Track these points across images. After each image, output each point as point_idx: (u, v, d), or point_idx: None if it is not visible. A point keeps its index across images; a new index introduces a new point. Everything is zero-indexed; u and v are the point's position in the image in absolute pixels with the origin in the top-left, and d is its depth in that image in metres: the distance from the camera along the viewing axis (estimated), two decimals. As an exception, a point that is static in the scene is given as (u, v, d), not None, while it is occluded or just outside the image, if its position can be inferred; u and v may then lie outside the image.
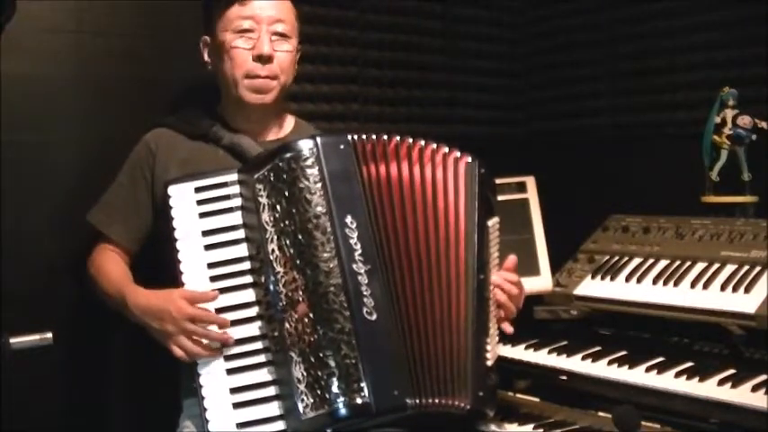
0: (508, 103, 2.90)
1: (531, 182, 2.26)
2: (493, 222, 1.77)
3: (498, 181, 2.24)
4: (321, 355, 1.52)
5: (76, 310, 1.95)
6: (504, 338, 2.04)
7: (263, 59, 1.79)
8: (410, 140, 1.71)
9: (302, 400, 1.52)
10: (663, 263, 2.04)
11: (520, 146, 2.87)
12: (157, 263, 1.72)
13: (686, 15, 2.42)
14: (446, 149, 1.73)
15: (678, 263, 2.02)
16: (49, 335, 1.57)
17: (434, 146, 1.72)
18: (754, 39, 2.25)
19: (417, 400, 1.55)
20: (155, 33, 2.06)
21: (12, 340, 1.54)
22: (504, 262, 1.79)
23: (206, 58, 1.87)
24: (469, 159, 1.74)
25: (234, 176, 1.67)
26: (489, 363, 1.67)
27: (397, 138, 1.70)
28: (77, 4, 1.96)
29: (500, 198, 2.23)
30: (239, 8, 1.79)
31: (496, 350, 1.73)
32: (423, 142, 1.72)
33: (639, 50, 2.54)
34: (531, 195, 2.25)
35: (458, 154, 1.74)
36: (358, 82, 2.50)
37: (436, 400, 1.57)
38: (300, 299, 1.55)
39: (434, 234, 1.66)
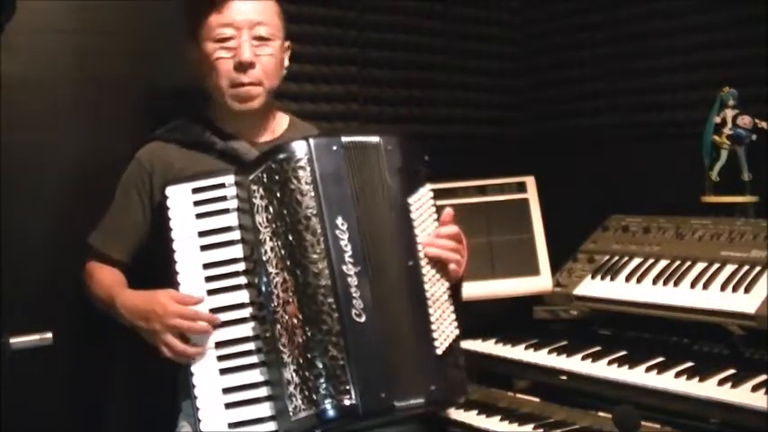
0: (508, 103, 2.90)
1: (531, 182, 2.26)
2: (418, 196, 1.70)
3: (498, 181, 2.26)
4: (310, 356, 1.52)
5: (76, 310, 1.95)
6: (504, 338, 2.05)
7: (245, 67, 1.76)
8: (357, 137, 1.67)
9: (292, 401, 1.53)
10: (663, 263, 2.04)
11: (520, 146, 2.87)
12: (154, 264, 1.73)
13: (686, 15, 2.42)
14: (360, 137, 1.67)
15: (678, 263, 2.02)
16: (49, 335, 1.57)
17: (358, 137, 1.67)
18: (754, 39, 2.24)
19: (404, 402, 1.55)
20: (154, 33, 2.06)
21: (12, 340, 1.54)
22: (441, 217, 1.72)
23: (191, 62, 1.84)
24: (375, 139, 1.67)
25: (231, 178, 1.67)
26: (440, 351, 1.62)
27: (354, 135, 1.67)
28: (77, 4, 1.95)
29: (500, 198, 2.24)
30: (217, 16, 1.75)
31: (451, 332, 1.67)
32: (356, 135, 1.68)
33: (639, 50, 2.54)
34: (531, 195, 2.25)
35: (367, 138, 1.67)
36: (358, 82, 2.50)
37: (408, 402, 1.56)
38: (290, 300, 1.55)
39: (378, 229, 1.63)
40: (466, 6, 2.77)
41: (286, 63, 1.89)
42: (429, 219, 1.71)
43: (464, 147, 2.69)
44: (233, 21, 1.75)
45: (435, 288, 1.68)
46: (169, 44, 2.08)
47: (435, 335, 1.63)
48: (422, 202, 1.71)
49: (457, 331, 1.70)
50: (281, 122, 1.94)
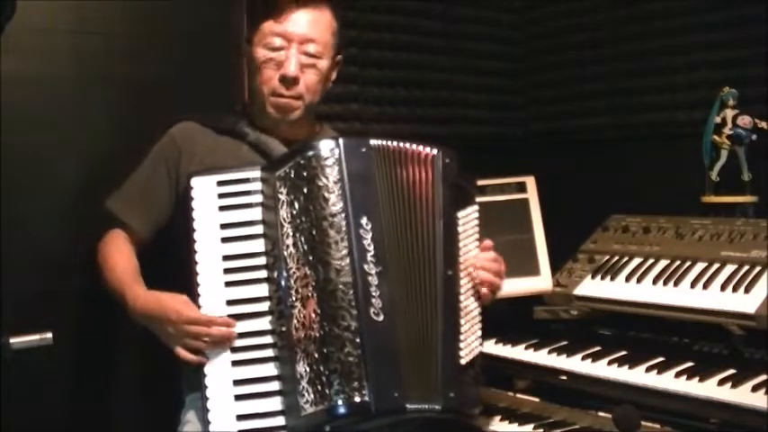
0: (508, 103, 2.91)
1: (531, 182, 2.26)
2: (466, 212, 1.75)
3: (498, 181, 2.26)
4: (325, 351, 1.52)
5: (76, 310, 1.96)
6: (504, 338, 2.05)
7: (288, 81, 1.78)
8: (405, 143, 1.70)
9: (303, 396, 1.52)
10: (663, 263, 2.04)
11: (520, 146, 2.87)
12: (172, 256, 1.73)
13: (686, 15, 2.42)
14: (419, 147, 1.71)
15: (678, 263, 2.01)
16: (49, 335, 1.57)
17: (414, 145, 1.71)
18: (754, 39, 2.25)
19: (418, 405, 1.55)
20: (154, 33, 2.06)
21: (12, 340, 1.54)
22: (481, 245, 1.77)
23: (244, 60, 1.89)
24: (434, 152, 1.72)
25: (257, 173, 1.68)
26: (463, 361, 1.65)
27: (399, 142, 1.70)
28: (77, 5, 1.95)
29: (500, 198, 2.24)
30: (273, 24, 1.78)
31: (476, 346, 1.70)
32: (407, 143, 1.71)
33: (639, 50, 2.54)
34: (531, 195, 2.25)
35: (426, 149, 1.72)
36: (358, 82, 2.50)
37: (423, 405, 1.56)
38: (310, 295, 1.56)
39: (420, 235, 1.66)
40: (466, 6, 2.77)
41: (333, 76, 1.91)
42: (472, 236, 1.76)
43: (464, 147, 2.69)
44: (286, 32, 1.78)
45: (469, 302, 1.71)
46: (169, 44, 2.08)
47: (462, 345, 1.65)
48: (469, 218, 1.76)
49: (481, 348, 1.72)
50: (314, 128, 1.96)
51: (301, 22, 1.78)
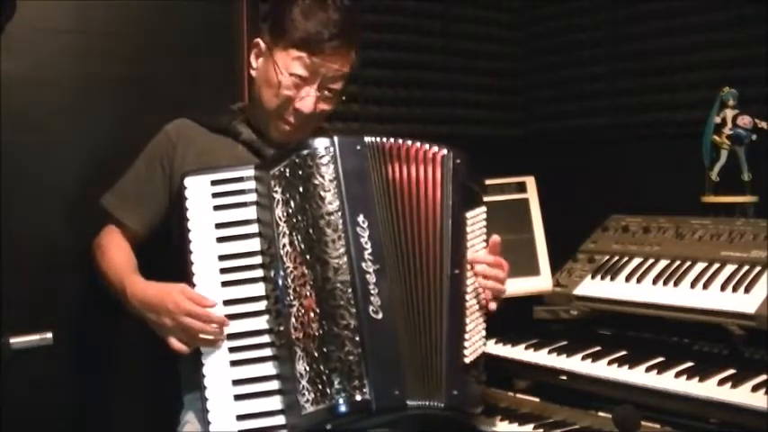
0: (508, 103, 2.91)
1: (531, 182, 2.26)
2: (474, 213, 1.75)
3: (498, 181, 2.25)
4: (325, 350, 1.52)
5: (76, 310, 1.96)
6: (504, 338, 2.05)
7: (301, 116, 1.77)
8: (409, 142, 1.71)
9: (303, 395, 1.52)
10: (663, 263, 2.04)
11: (520, 146, 2.87)
12: (169, 254, 1.73)
13: (686, 15, 2.42)
14: (426, 146, 1.72)
15: (678, 263, 2.01)
16: (49, 335, 1.57)
17: (419, 144, 1.72)
18: (754, 39, 2.25)
19: (419, 402, 1.55)
20: (155, 33, 2.06)
21: (12, 340, 1.54)
22: (489, 242, 1.77)
23: (253, 62, 1.83)
24: (444, 152, 1.72)
25: (250, 172, 1.68)
26: (468, 360, 1.65)
27: (401, 140, 1.70)
28: (78, 5, 1.96)
29: (500, 198, 2.24)
30: (307, 55, 1.72)
31: (479, 345, 1.71)
32: (412, 142, 1.71)
33: (639, 50, 2.54)
34: (531, 195, 2.24)
35: (435, 148, 1.72)
36: (358, 82, 2.50)
37: (426, 402, 1.57)
38: (308, 294, 1.56)
39: (425, 233, 1.66)
40: (466, 6, 2.77)
41: None
42: (480, 237, 1.76)
43: (464, 147, 2.69)
44: (314, 67, 1.74)
45: (475, 301, 1.71)
46: (169, 44, 2.08)
47: (467, 344, 1.65)
48: (477, 219, 1.76)
49: (485, 348, 1.72)
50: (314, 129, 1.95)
51: (334, 63, 1.75)
